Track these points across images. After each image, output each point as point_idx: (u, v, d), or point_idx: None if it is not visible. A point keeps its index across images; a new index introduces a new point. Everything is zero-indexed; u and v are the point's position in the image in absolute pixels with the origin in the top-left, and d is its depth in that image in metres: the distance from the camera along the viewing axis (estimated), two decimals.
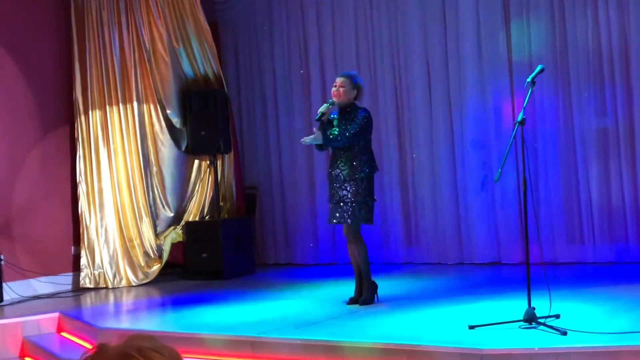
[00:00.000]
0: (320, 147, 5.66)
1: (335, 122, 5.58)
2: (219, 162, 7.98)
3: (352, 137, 5.47)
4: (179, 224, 7.91)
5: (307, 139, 5.58)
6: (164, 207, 7.87)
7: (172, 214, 7.90)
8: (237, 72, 8.67)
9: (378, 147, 7.27)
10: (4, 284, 6.87)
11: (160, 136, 7.87)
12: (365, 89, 6.65)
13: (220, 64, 8.11)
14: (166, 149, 7.89)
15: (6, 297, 6.92)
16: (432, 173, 7.57)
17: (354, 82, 5.59)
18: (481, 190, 7.30)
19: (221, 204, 7.99)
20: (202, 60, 7.92)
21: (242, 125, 8.65)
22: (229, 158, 8.07)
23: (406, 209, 7.74)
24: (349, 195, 5.49)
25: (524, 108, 4.57)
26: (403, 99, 7.75)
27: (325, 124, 5.56)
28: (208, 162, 8.00)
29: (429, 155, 7.58)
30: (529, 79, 4.68)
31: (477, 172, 7.32)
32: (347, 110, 5.58)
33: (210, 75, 7.95)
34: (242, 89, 8.66)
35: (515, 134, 4.55)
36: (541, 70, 4.77)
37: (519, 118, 4.56)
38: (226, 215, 8.00)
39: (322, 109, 5.59)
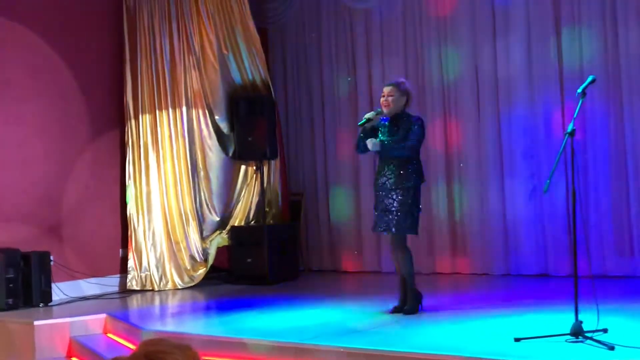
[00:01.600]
0: (362, 149, 5.62)
1: (382, 130, 5.56)
2: (265, 168, 8.05)
3: (413, 148, 5.46)
4: (224, 229, 7.98)
5: (370, 142, 5.51)
6: (210, 211, 7.93)
7: (218, 219, 7.97)
8: (285, 79, 8.78)
9: (425, 156, 7.14)
10: (53, 285, 7.00)
11: (208, 141, 7.94)
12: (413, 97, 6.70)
13: (268, 71, 8.21)
14: (213, 154, 7.96)
15: (55, 297, 7.04)
16: (480, 183, 7.53)
17: (401, 89, 5.56)
18: (529, 200, 7.21)
19: (267, 209, 8.04)
20: (250, 66, 8.01)
21: (288, 131, 8.73)
22: (275, 164, 8.13)
23: (453, 218, 7.71)
24: (394, 204, 5.47)
25: (574, 119, 4.51)
26: (451, 107, 7.73)
27: (367, 130, 5.54)
28: (254, 167, 8.08)
29: (477, 165, 7.56)
30: (579, 90, 4.62)
31: (526, 183, 7.25)
32: (399, 119, 5.56)
33: (258, 81, 8.03)
34: (290, 96, 8.76)
35: (565, 145, 4.48)
36: (592, 81, 4.70)
37: (569, 129, 4.49)
38: (271, 221, 8.05)
39: (368, 115, 5.59)
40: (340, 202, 8.36)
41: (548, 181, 4.51)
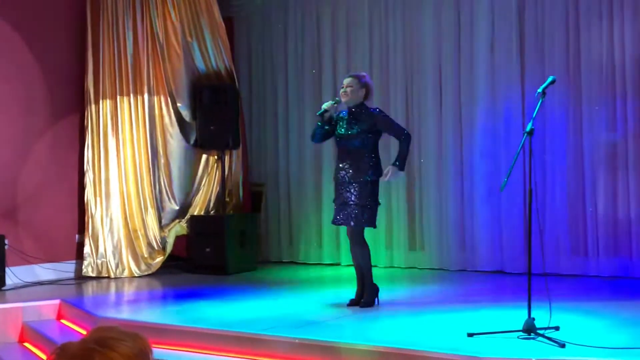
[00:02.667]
0: (318, 138, 5.64)
1: (340, 122, 5.58)
2: (226, 158, 8.04)
3: (401, 127, 5.59)
4: (184, 218, 7.96)
5: (394, 174, 5.49)
6: (169, 199, 7.91)
7: (177, 207, 7.95)
8: (250, 69, 8.72)
9: (386, 151, 7.25)
10: (7, 269, 6.91)
11: (170, 129, 7.91)
12: (376, 92, 6.70)
13: (233, 60, 8.18)
14: (175, 142, 7.94)
15: (9, 281, 6.95)
16: (439, 179, 7.59)
17: (361, 82, 5.57)
18: (487, 198, 7.29)
19: (227, 199, 8.04)
20: (214, 55, 7.99)
21: (251, 121, 8.70)
22: (237, 154, 8.14)
23: (412, 213, 7.77)
24: (352, 198, 5.49)
25: (533, 118, 4.55)
26: (414, 103, 7.77)
27: (325, 120, 5.56)
28: (216, 157, 8.06)
29: (437, 161, 7.61)
30: (539, 90, 4.67)
31: (485, 181, 7.33)
32: (357, 111, 5.59)
33: (222, 70, 8.01)
34: (254, 86, 8.71)
35: (523, 144, 4.54)
36: (552, 82, 4.77)
37: (528, 128, 4.53)
38: (231, 211, 8.05)
39: (325, 105, 5.60)
40: (301, 194, 8.36)
41: (505, 179, 4.56)
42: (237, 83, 8.03)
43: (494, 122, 7.32)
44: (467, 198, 7.45)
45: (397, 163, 5.50)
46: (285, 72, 8.46)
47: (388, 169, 5.49)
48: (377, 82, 7.48)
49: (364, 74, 5.72)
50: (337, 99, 5.63)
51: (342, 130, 5.54)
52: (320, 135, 5.61)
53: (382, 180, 5.56)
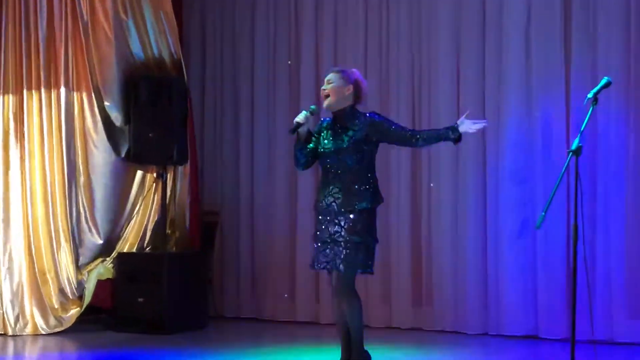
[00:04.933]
0: (302, 164, 5.60)
1: (324, 134, 5.54)
2: (169, 176, 7.99)
3: (415, 132, 5.55)
4: (109, 255, 7.91)
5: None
6: (90, 230, 7.88)
7: (101, 241, 7.91)
8: (204, 58, 8.71)
9: (385, 173, 7.39)
10: None
11: (93, 135, 7.89)
12: (372, 94, 6.71)
13: (182, 45, 8.17)
14: (100, 153, 7.90)
15: None
16: (455, 211, 7.59)
17: (346, 78, 5.50)
18: (518, 239, 7.31)
19: (168, 231, 8.00)
20: (157, 38, 8.01)
21: (204, 127, 8.68)
22: (183, 171, 8.10)
23: (417, 256, 7.77)
24: (342, 233, 5.38)
25: (582, 133, 4.60)
26: (422, 109, 7.81)
27: (303, 138, 5.51)
28: (155, 174, 8.03)
29: (452, 188, 7.62)
30: (590, 95, 4.73)
31: (515, 215, 7.35)
32: (345, 116, 5.50)
33: (167, 58, 8.02)
34: (209, 81, 8.70)
35: (568, 166, 4.58)
36: (607, 84, 4.81)
37: (574, 146, 4.58)
38: (174, 248, 8.04)
39: (299, 118, 5.50)
40: (270, 227, 8.34)
41: (543, 213, 4.56)
42: (185, 76, 8.02)
43: (528, 135, 7.36)
44: (491, 237, 7.45)
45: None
46: (252, 62, 8.45)
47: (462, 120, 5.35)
48: (373, 82, 7.47)
49: (353, 69, 5.68)
50: (312, 107, 5.56)
51: (327, 143, 5.52)
52: (304, 158, 5.56)
53: (470, 129, 5.30)
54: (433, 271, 7.68)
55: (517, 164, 7.38)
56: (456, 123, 5.33)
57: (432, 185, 7.73)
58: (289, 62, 8.35)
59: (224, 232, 8.57)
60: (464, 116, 5.34)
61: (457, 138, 5.34)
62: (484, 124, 5.39)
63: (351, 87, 5.49)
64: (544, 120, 7.28)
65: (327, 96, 5.49)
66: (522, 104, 7.39)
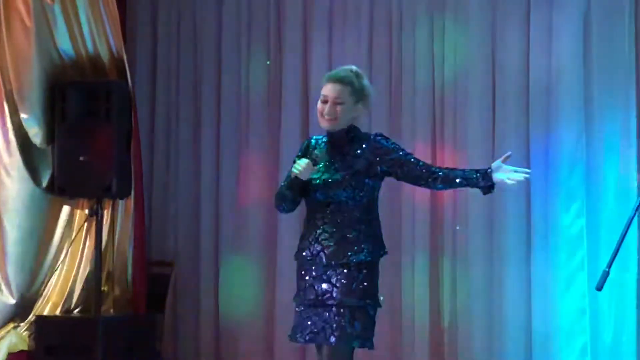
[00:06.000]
0: (286, 207, 5.50)
1: (319, 154, 5.39)
2: (106, 213, 7.98)
3: (434, 170, 5.41)
4: (24, 320, 7.97)
5: None
6: (0, 286, 7.96)
7: (13, 301, 7.97)
8: (154, 55, 8.71)
9: (390, 211, 7.56)
10: None
11: (5, 159, 7.96)
12: (376, 104, 6.92)
13: (124, 39, 8.22)
14: (13, 183, 7.96)
15: None
16: (489, 260, 7.64)
17: (357, 92, 5.32)
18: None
19: (104, 288, 7.98)
20: (92, 30, 8.02)
21: (154, 149, 8.66)
22: (125, 206, 8.09)
23: (438, 321, 7.80)
24: (334, 294, 5.22)
25: None
26: (445, 128, 7.87)
27: (296, 187, 5.35)
28: (87, 211, 7.94)
29: (484, 230, 7.71)
30: None
31: (567, 269, 7.49)
32: (343, 139, 5.37)
33: (105, 57, 8.05)
34: (160, 87, 8.67)
35: (637, 210, 4.58)
36: None
37: None
38: (112, 310, 8.05)
39: (299, 166, 5.27)
40: (240, 283, 8.32)
41: (607, 269, 4.55)
42: (129, 80, 8.00)
43: (587, 160, 7.46)
44: (537, 292, 7.52)
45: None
46: (219, 62, 8.45)
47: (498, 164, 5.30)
48: (378, 86, 7.54)
49: (354, 68, 5.49)
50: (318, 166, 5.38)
51: (317, 172, 5.37)
52: (292, 203, 5.46)
53: (508, 181, 5.31)
54: (459, 340, 7.74)
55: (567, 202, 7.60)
56: (490, 167, 5.27)
57: (457, 228, 7.82)
58: (268, 62, 8.34)
59: (178, 288, 8.47)
60: (501, 158, 5.28)
61: (489, 188, 5.32)
62: (525, 175, 5.33)
63: (359, 102, 5.40)
64: (606, 144, 7.48)
65: (335, 119, 5.34)
66: (577, 123, 7.51)
